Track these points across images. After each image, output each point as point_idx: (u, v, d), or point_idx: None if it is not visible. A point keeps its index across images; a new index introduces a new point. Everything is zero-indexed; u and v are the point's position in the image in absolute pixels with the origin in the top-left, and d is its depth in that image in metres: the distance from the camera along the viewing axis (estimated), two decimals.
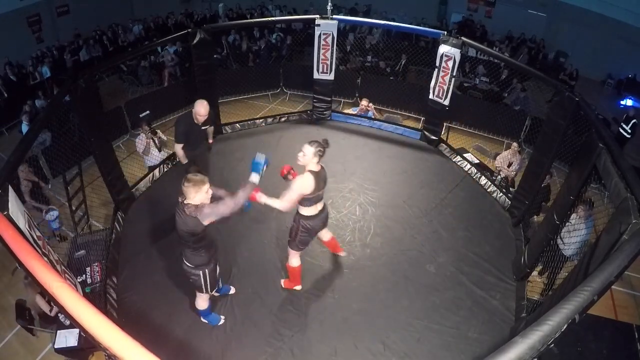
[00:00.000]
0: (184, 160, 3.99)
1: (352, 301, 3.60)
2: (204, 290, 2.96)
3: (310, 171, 2.84)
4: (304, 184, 2.80)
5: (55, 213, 4.40)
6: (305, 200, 2.93)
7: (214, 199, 2.65)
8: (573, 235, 3.63)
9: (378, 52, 8.95)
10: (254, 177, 2.69)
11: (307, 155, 2.81)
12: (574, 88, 7.16)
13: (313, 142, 2.82)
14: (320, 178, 2.88)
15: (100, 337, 1.29)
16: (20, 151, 2.61)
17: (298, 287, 3.66)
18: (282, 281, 3.71)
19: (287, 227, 4.28)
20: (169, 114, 7.28)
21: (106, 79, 8.99)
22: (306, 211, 3.02)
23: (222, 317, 3.41)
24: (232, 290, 3.63)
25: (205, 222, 2.54)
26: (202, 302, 3.15)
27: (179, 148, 3.87)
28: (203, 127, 3.98)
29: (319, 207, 3.07)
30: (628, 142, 6.61)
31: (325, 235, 3.61)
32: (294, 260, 3.41)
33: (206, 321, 3.36)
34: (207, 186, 2.54)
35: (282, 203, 2.82)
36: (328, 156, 5.29)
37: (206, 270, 2.83)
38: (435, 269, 3.93)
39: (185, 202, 2.55)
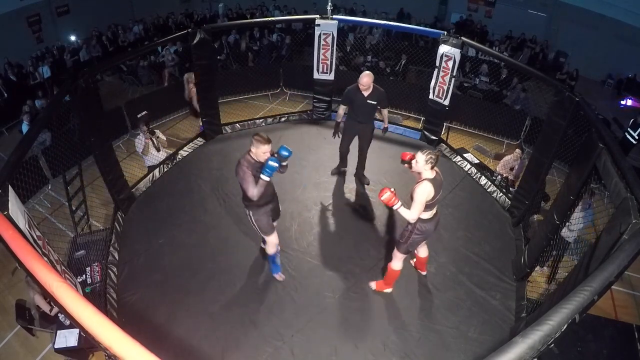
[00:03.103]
0: (339, 119, 4.54)
1: (352, 301, 3.60)
2: (260, 233, 3.39)
3: (427, 179, 2.89)
4: (425, 193, 2.87)
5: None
6: (425, 206, 3.00)
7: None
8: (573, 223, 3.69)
9: (378, 52, 8.95)
10: (265, 177, 3.00)
11: (419, 163, 2.88)
12: (574, 88, 7.20)
13: (425, 150, 2.89)
14: (437, 184, 2.93)
15: (100, 337, 1.28)
16: (20, 151, 2.60)
17: (388, 290, 3.66)
18: (374, 283, 3.69)
19: (286, 227, 4.32)
20: (169, 114, 7.29)
21: (106, 79, 8.99)
22: (424, 215, 3.04)
23: (282, 276, 3.74)
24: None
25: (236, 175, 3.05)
26: (270, 247, 3.50)
27: (341, 109, 4.46)
28: (369, 101, 4.24)
29: (434, 210, 3.11)
30: (634, 147, 6.59)
31: (423, 251, 3.62)
32: (399, 263, 3.40)
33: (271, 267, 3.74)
34: (267, 147, 2.98)
35: (411, 214, 2.92)
36: (327, 156, 5.40)
37: (250, 212, 3.26)
38: (435, 269, 3.93)
39: (250, 151, 3.05)
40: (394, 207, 2.94)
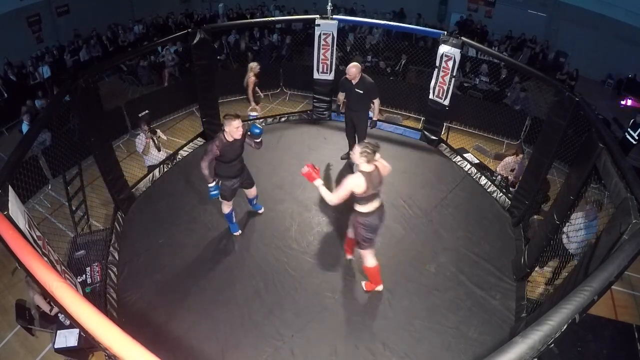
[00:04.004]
0: (339, 102, 4.90)
1: (352, 301, 3.60)
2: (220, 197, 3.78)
3: (361, 171, 2.93)
4: (353, 183, 2.91)
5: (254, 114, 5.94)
6: (359, 199, 3.05)
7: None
8: (576, 234, 3.65)
9: (378, 52, 8.95)
10: (213, 192, 3.61)
11: (355, 155, 2.95)
12: (574, 88, 7.19)
13: (362, 143, 2.96)
14: (372, 178, 2.95)
15: (100, 337, 1.29)
16: (20, 151, 2.61)
17: (379, 288, 3.64)
18: (363, 284, 3.69)
19: (286, 227, 4.32)
20: (169, 114, 7.28)
21: (106, 79, 8.99)
22: (361, 208, 3.11)
23: (240, 231, 4.17)
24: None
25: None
26: (224, 207, 3.96)
27: (340, 94, 4.78)
28: (357, 90, 4.45)
29: (375, 204, 3.12)
30: (634, 147, 6.58)
31: (352, 232, 3.59)
32: (370, 260, 3.43)
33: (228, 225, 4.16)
34: (237, 122, 3.36)
35: (331, 196, 2.99)
36: (328, 156, 5.41)
37: (219, 182, 3.68)
38: (435, 269, 3.93)
39: (224, 131, 3.42)
40: (314, 183, 3.02)
